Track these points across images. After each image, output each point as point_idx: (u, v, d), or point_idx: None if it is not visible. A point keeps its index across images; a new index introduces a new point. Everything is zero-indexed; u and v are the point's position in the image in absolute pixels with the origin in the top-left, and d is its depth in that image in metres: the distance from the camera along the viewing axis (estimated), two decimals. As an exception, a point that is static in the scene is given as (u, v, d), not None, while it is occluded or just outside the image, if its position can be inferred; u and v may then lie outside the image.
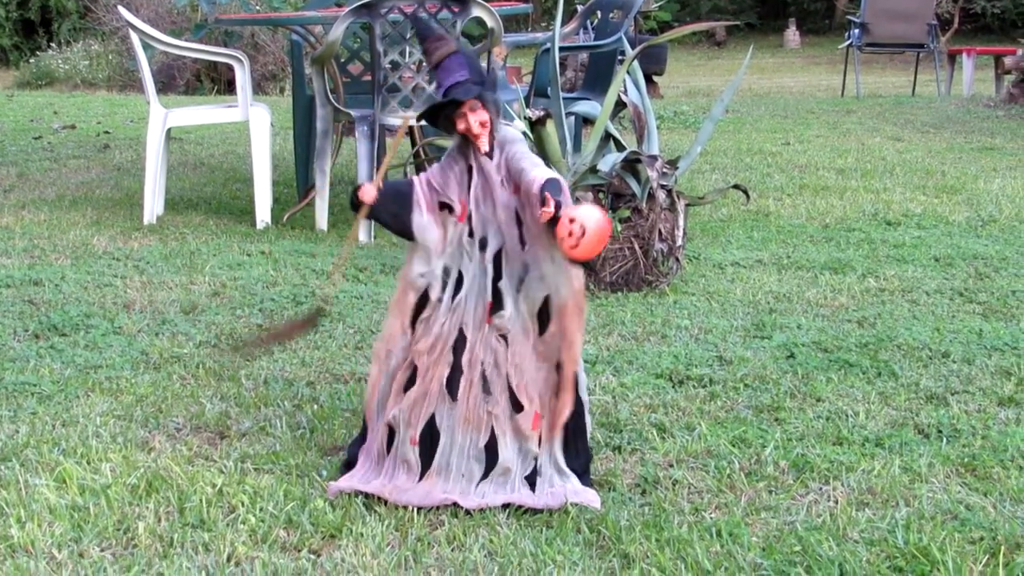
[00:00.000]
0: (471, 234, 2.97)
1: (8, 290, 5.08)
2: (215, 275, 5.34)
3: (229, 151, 9.67)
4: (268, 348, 3.41)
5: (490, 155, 2.95)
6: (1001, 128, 10.38)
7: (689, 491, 3.08)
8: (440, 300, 2.98)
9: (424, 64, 6.09)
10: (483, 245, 2.96)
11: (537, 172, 2.87)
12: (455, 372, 2.95)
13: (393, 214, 3.01)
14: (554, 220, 2.78)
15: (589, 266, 2.97)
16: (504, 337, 2.94)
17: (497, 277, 2.95)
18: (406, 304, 3.01)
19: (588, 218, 2.77)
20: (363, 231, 6.09)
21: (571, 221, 2.77)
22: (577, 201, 2.82)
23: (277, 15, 9.26)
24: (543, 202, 2.78)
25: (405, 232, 3.02)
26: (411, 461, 2.98)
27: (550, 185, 2.81)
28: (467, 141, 2.96)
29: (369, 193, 2.99)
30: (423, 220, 3.00)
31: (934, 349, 4.15)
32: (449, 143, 3.05)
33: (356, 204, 3.02)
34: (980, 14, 22.47)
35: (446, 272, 2.98)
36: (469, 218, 2.97)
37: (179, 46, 7.19)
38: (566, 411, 2.96)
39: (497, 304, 2.94)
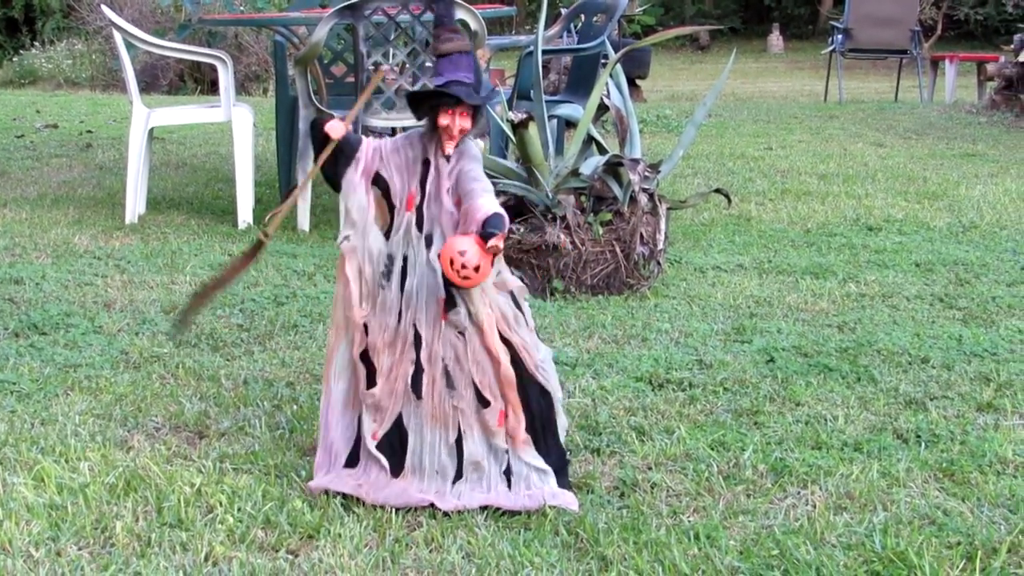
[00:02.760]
0: (419, 227, 2.96)
1: (-12, 288, 5.07)
2: (196, 275, 5.33)
3: (211, 151, 9.65)
4: (214, 296, 3.36)
5: (448, 159, 2.95)
6: (983, 134, 10.41)
7: (667, 494, 3.08)
8: (385, 286, 2.96)
9: (407, 66, 6.10)
10: (428, 242, 2.95)
11: (485, 201, 2.86)
12: (417, 370, 2.95)
13: (333, 159, 3.01)
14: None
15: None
16: (462, 333, 2.94)
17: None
18: (346, 272, 3.00)
19: (472, 255, 2.79)
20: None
21: (461, 254, 2.78)
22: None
23: (261, 16, 9.26)
24: (484, 237, 2.78)
25: (334, 180, 3.02)
26: (378, 457, 2.98)
27: (495, 220, 2.81)
28: (434, 135, 2.95)
29: (338, 129, 2.98)
30: (355, 179, 3.00)
31: (913, 354, 4.17)
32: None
33: (323, 138, 3.01)
34: (963, 21, 22.54)
35: (390, 259, 2.97)
36: (419, 210, 2.96)
37: (162, 46, 7.18)
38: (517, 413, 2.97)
39: (451, 301, 2.93)
